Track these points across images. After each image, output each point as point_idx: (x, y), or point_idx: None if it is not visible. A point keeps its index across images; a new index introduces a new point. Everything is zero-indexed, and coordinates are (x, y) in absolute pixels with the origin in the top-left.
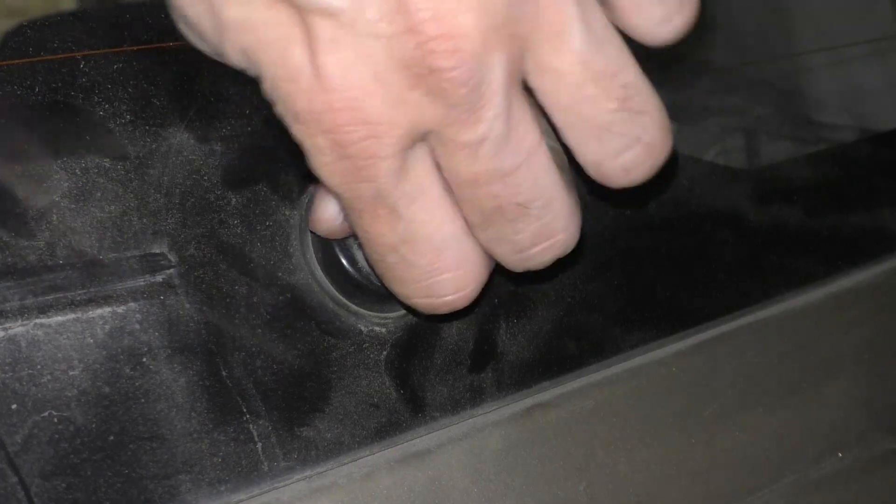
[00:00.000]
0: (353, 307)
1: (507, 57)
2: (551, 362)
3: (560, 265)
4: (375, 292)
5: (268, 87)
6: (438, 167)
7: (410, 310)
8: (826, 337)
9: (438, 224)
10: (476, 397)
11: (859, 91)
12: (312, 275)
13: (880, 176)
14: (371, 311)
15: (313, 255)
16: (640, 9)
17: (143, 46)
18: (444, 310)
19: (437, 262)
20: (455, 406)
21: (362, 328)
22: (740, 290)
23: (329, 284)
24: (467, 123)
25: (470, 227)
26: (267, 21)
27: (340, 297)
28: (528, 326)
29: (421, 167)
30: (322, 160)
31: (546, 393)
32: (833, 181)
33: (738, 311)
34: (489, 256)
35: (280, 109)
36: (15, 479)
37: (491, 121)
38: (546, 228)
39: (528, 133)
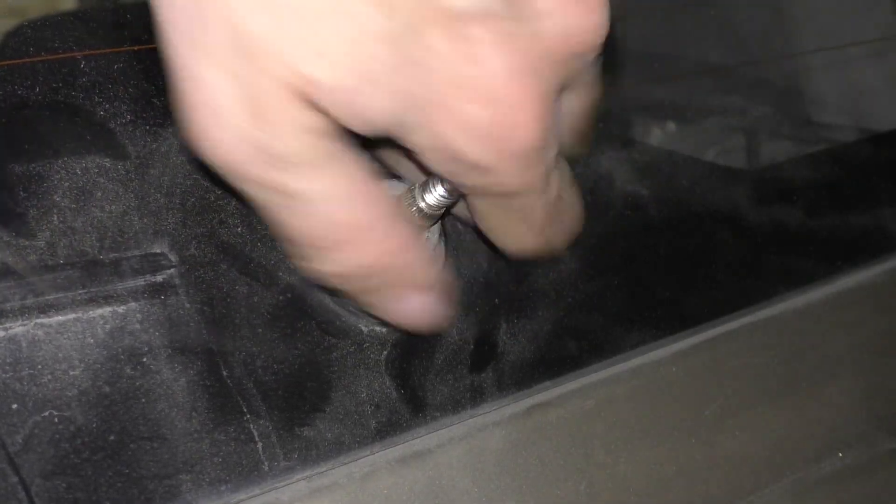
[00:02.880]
0: (354, 307)
1: None
2: (551, 362)
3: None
4: None
5: (437, 121)
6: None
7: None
8: (826, 337)
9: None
10: (476, 397)
11: (859, 91)
12: None
13: (880, 176)
14: None
15: None
16: None
17: (143, 46)
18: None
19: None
20: (455, 406)
21: (363, 328)
22: (740, 290)
23: None
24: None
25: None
26: (429, 47)
27: (341, 297)
28: (528, 326)
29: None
30: (513, 165)
31: (546, 393)
32: (833, 181)
33: (738, 311)
34: None
35: (454, 141)
36: (15, 479)
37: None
38: None
39: None
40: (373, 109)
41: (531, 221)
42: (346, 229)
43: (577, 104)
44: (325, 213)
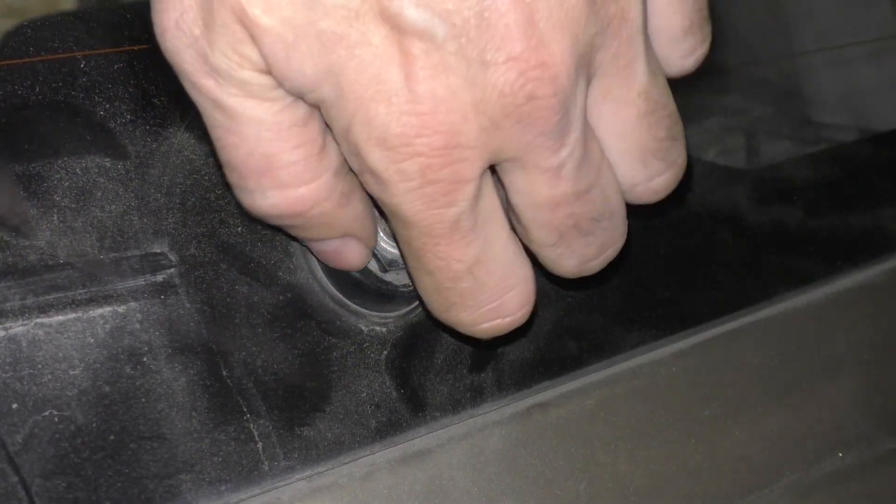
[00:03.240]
0: (354, 307)
1: (585, 83)
2: (551, 362)
3: (610, 267)
4: (376, 292)
5: (348, 109)
6: (501, 190)
7: (468, 339)
8: (826, 337)
9: (505, 242)
10: (476, 397)
11: (859, 91)
12: (313, 274)
13: (880, 176)
14: (371, 310)
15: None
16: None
17: (143, 46)
18: (510, 328)
19: (505, 280)
20: (455, 406)
21: (363, 328)
22: (740, 290)
23: (329, 284)
24: (552, 149)
25: (535, 246)
26: (366, 39)
27: (341, 297)
28: (528, 326)
29: (489, 188)
30: (405, 186)
31: (546, 393)
32: (833, 181)
33: (738, 311)
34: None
35: (357, 135)
36: (16, 479)
37: (572, 145)
38: (609, 238)
39: (597, 151)
40: (295, 69)
41: (432, 271)
42: (267, 160)
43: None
44: (251, 140)
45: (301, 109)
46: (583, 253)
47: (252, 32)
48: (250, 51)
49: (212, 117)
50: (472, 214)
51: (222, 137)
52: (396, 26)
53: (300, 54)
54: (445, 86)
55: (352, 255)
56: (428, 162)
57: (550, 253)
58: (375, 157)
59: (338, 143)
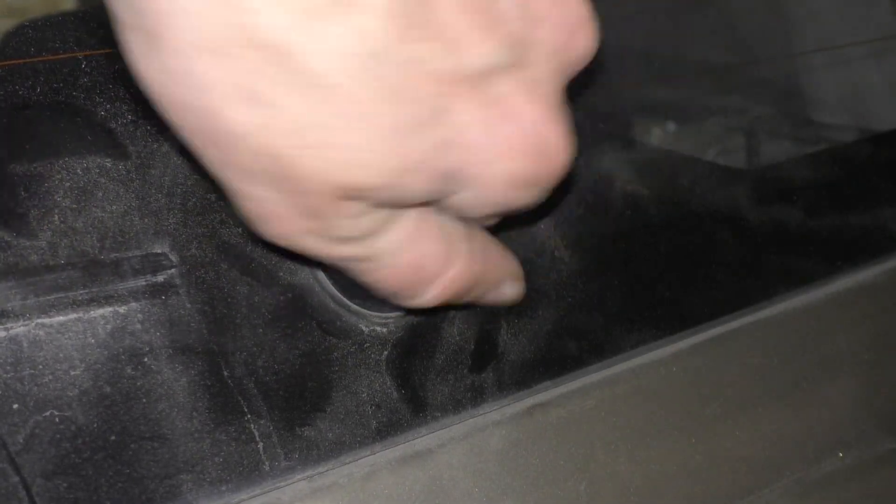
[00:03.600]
0: (355, 307)
1: None
2: (552, 362)
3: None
4: None
5: (483, 192)
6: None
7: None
8: (826, 337)
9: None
10: (477, 397)
11: (859, 91)
12: (313, 274)
13: (880, 176)
14: (372, 310)
15: None
16: None
17: None
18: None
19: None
20: (456, 406)
21: (363, 328)
22: (740, 290)
23: (330, 284)
24: None
25: None
26: (465, 121)
27: (341, 297)
28: (528, 326)
29: None
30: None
31: (547, 393)
32: (833, 181)
33: (738, 311)
34: None
35: (507, 200)
36: (17, 479)
37: None
38: None
39: None
40: (413, 192)
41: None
42: (413, 271)
43: None
44: (393, 263)
45: (408, 212)
46: None
47: (358, 197)
48: (358, 207)
49: (353, 268)
50: None
51: (369, 277)
52: (475, 84)
53: (408, 185)
54: (539, 98)
55: (511, 291)
56: (564, 166)
57: None
58: (527, 198)
59: (467, 216)
